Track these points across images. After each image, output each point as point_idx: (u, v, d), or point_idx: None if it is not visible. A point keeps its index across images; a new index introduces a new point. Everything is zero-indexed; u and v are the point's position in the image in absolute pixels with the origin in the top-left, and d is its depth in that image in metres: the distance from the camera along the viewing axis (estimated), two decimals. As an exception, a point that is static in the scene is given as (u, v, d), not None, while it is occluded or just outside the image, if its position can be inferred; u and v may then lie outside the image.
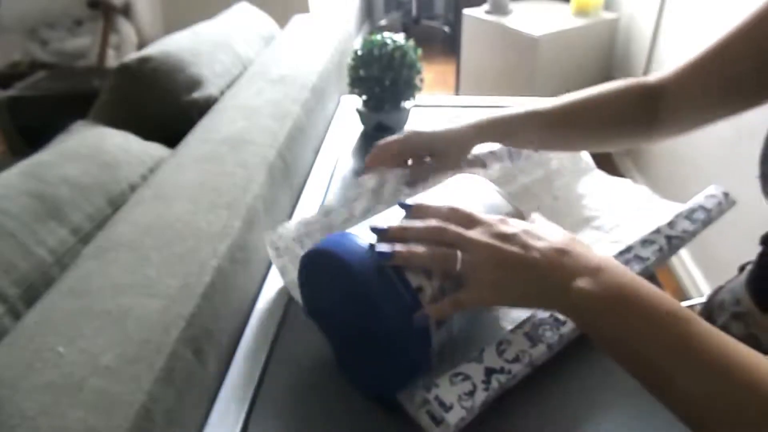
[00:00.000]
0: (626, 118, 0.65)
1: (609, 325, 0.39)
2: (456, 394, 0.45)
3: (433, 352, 0.46)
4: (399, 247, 0.44)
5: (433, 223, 0.45)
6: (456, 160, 0.69)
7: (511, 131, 0.67)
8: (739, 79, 0.56)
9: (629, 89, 0.64)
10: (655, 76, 0.64)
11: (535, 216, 0.51)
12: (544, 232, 0.45)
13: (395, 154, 0.70)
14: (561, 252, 0.43)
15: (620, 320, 0.39)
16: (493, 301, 0.45)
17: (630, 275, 0.41)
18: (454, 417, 0.44)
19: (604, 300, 0.39)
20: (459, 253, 0.44)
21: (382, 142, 0.70)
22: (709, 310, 0.69)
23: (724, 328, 0.62)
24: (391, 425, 0.49)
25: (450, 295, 0.44)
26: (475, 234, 0.44)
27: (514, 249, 0.43)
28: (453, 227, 0.45)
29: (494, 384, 0.46)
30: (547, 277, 0.42)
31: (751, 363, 0.35)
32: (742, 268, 0.66)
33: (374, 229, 0.45)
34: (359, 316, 0.46)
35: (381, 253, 0.43)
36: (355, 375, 0.52)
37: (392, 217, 0.49)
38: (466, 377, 0.46)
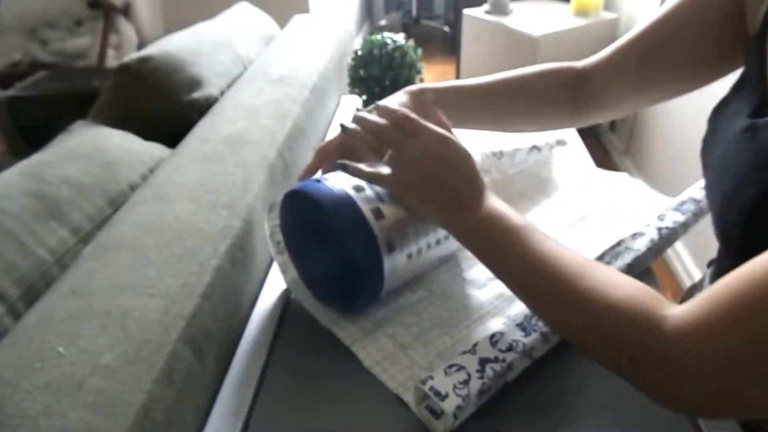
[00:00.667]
0: (553, 98, 0.67)
1: (481, 245, 0.49)
2: (451, 384, 0.46)
3: (387, 269, 0.54)
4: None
5: (382, 122, 0.53)
6: None
7: (443, 103, 0.65)
8: (655, 62, 0.59)
9: (557, 71, 0.67)
10: (582, 62, 0.67)
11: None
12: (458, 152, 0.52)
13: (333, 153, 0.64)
14: (470, 179, 0.51)
15: (489, 240, 0.49)
16: (400, 194, 0.53)
17: (496, 202, 0.50)
18: (450, 405, 0.45)
19: (484, 227, 0.49)
20: (390, 152, 0.52)
21: (321, 145, 0.64)
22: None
23: None
24: (392, 425, 0.49)
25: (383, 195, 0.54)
26: (414, 145, 0.51)
27: (439, 156, 0.50)
28: (395, 131, 0.52)
29: (488, 372, 0.47)
30: (450, 198, 0.50)
31: (571, 266, 0.44)
32: (709, 264, 0.66)
33: (342, 128, 0.56)
34: (320, 236, 0.56)
35: (338, 165, 0.55)
36: (328, 297, 0.61)
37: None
38: (461, 368, 0.48)
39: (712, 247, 0.55)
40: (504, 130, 0.71)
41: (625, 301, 0.39)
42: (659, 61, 0.59)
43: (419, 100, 0.64)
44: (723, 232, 0.49)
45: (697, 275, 1.72)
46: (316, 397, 0.52)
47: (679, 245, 1.84)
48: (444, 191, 0.50)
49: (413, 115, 0.52)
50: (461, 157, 0.51)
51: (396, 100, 0.63)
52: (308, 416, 0.51)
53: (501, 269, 0.48)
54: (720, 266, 0.58)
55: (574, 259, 0.45)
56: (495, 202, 0.50)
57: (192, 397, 0.49)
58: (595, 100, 0.66)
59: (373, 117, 0.54)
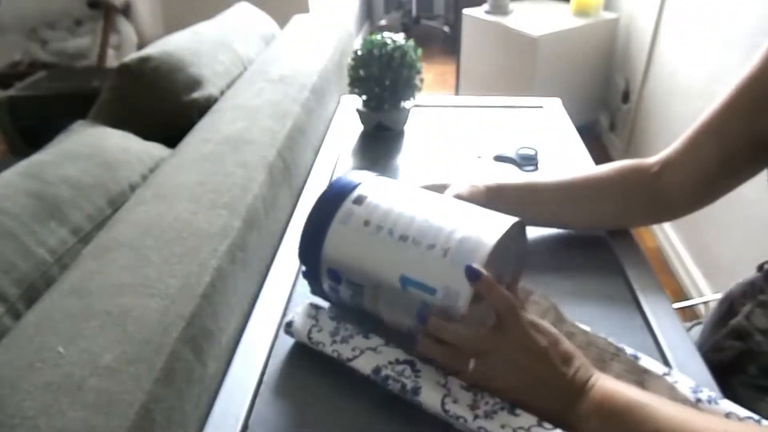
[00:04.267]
0: (631, 205, 0.67)
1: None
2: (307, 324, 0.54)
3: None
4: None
5: (470, 332, 0.46)
6: None
7: (521, 200, 0.67)
8: (733, 153, 0.58)
9: (633, 174, 0.66)
10: (653, 159, 0.65)
11: (529, 287, 0.55)
12: (566, 348, 0.47)
13: None
14: (579, 381, 0.46)
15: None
16: (495, 393, 0.47)
17: (616, 386, 0.45)
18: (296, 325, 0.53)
19: (600, 420, 0.44)
20: (472, 364, 0.46)
21: None
22: (729, 301, 0.69)
23: (747, 317, 0.64)
24: (393, 426, 0.49)
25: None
26: (504, 344, 0.46)
27: (538, 367, 0.45)
28: (486, 338, 0.46)
29: (347, 352, 0.51)
30: (558, 401, 0.45)
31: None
32: (760, 267, 0.66)
33: (420, 315, 0.48)
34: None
35: (420, 315, 0.47)
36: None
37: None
38: (346, 331, 0.53)
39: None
40: (578, 228, 0.71)
41: None
42: (738, 146, 0.58)
43: (499, 197, 0.64)
44: None
45: (697, 275, 1.72)
46: (316, 397, 0.52)
47: (679, 245, 1.84)
48: (546, 389, 0.46)
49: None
50: (552, 345, 0.47)
51: (471, 191, 0.63)
52: (308, 416, 0.51)
53: None
54: None
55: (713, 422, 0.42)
56: (606, 381, 0.46)
57: (192, 397, 0.49)
58: (670, 200, 0.64)
59: (453, 325, 0.46)
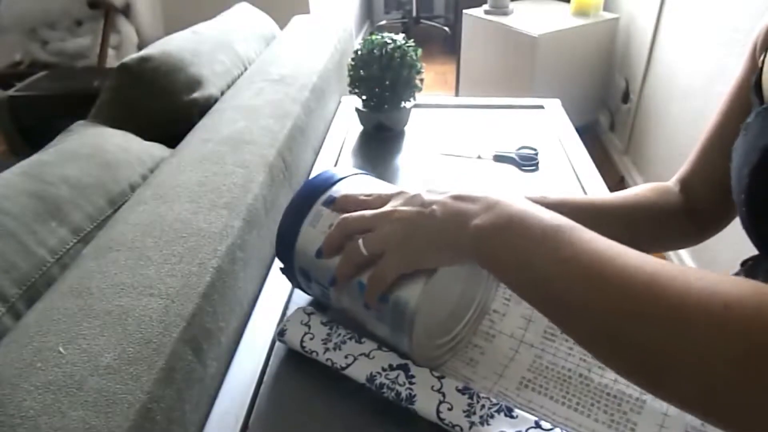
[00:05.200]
0: (668, 232, 0.65)
1: (500, 254, 0.39)
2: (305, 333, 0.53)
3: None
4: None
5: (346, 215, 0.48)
6: None
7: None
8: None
9: (653, 191, 0.64)
10: (670, 181, 0.65)
11: None
12: (444, 189, 0.45)
13: None
14: (457, 198, 0.43)
15: (508, 246, 0.38)
16: (406, 264, 0.44)
17: (522, 203, 0.41)
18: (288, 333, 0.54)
19: (495, 231, 0.39)
20: (360, 240, 0.45)
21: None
22: None
23: None
24: (393, 427, 0.49)
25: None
26: (375, 211, 0.46)
27: (412, 209, 0.44)
28: (354, 215, 0.47)
29: (341, 360, 0.50)
30: (447, 226, 0.42)
31: (629, 264, 0.34)
32: (744, 263, 0.66)
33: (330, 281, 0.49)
34: None
35: (330, 281, 0.49)
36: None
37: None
38: (339, 336, 0.52)
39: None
40: None
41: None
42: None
43: None
44: (742, 219, 0.51)
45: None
46: (316, 396, 0.52)
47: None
48: (432, 222, 0.43)
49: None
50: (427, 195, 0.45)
51: None
52: (308, 416, 0.51)
53: (532, 279, 0.38)
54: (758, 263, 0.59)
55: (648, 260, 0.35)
56: (517, 201, 0.41)
57: (192, 397, 0.49)
58: (702, 213, 0.63)
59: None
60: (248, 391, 0.53)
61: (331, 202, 0.51)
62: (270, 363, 0.56)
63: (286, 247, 0.53)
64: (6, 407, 0.39)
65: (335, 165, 0.94)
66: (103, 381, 0.42)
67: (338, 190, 0.53)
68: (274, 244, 0.73)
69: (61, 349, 0.43)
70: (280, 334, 0.55)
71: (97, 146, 0.74)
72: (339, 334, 0.53)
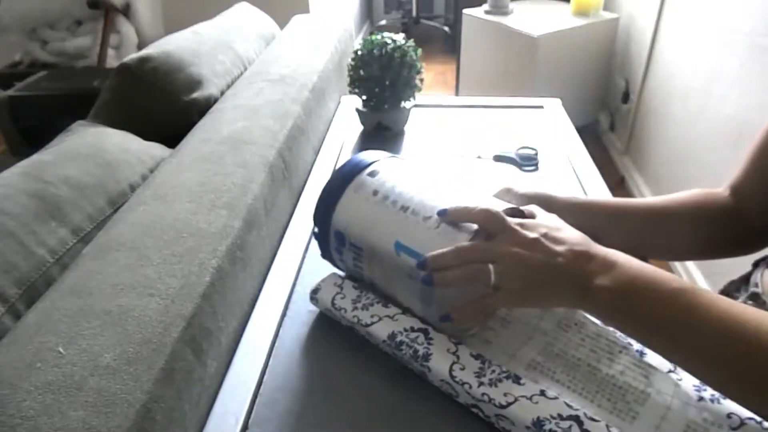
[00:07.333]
0: (708, 229, 0.63)
1: (625, 314, 0.45)
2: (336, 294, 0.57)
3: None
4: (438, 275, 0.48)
5: (462, 244, 0.48)
6: None
7: (597, 223, 0.61)
8: None
9: (702, 202, 0.63)
10: (721, 188, 0.63)
11: (533, 208, 0.54)
12: (562, 235, 0.48)
13: None
14: (581, 255, 0.47)
15: (633, 307, 0.44)
16: (520, 304, 0.50)
17: (638, 265, 0.46)
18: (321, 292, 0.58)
19: (618, 293, 0.44)
20: (491, 267, 0.47)
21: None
22: (725, 295, 0.68)
23: None
24: (394, 426, 0.49)
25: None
26: (500, 246, 0.47)
27: (539, 256, 0.46)
28: (480, 246, 0.48)
29: (366, 318, 0.54)
30: (570, 280, 0.46)
31: (750, 320, 0.40)
32: (756, 264, 0.66)
33: (418, 264, 0.50)
34: None
35: (424, 280, 0.48)
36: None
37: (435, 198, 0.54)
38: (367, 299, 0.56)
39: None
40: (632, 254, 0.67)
41: None
42: None
43: (548, 208, 0.60)
44: None
45: (697, 275, 1.72)
46: (315, 396, 0.52)
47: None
48: (556, 273, 0.46)
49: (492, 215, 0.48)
50: (560, 228, 0.48)
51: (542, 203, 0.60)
52: (308, 416, 0.51)
53: (664, 339, 0.44)
54: None
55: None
56: (631, 263, 0.46)
57: (192, 397, 0.49)
58: (752, 224, 0.60)
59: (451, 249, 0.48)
60: (248, 391, 0.53)
61: (374, 175, 0.57)
62: (270, 363, 0.56)
63: (327, 207, 0.57)
64: (6, 407, 0.39)
65: (335, 165, 0.94)
66: (103, 381, 0.42)
67: (380, 167, 0.58)
68: (273, 244, 0.73)
69: (61, 350, 0.43)
70: (313, 292, 0.60)
71: (97, 146, 0.74)
72: (368, 297, 0.57)
